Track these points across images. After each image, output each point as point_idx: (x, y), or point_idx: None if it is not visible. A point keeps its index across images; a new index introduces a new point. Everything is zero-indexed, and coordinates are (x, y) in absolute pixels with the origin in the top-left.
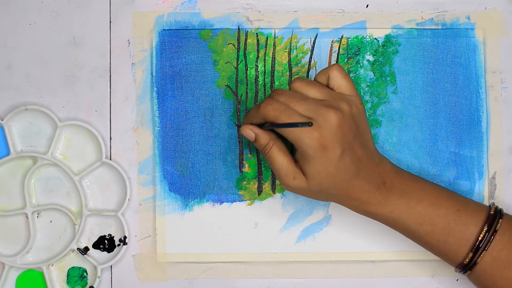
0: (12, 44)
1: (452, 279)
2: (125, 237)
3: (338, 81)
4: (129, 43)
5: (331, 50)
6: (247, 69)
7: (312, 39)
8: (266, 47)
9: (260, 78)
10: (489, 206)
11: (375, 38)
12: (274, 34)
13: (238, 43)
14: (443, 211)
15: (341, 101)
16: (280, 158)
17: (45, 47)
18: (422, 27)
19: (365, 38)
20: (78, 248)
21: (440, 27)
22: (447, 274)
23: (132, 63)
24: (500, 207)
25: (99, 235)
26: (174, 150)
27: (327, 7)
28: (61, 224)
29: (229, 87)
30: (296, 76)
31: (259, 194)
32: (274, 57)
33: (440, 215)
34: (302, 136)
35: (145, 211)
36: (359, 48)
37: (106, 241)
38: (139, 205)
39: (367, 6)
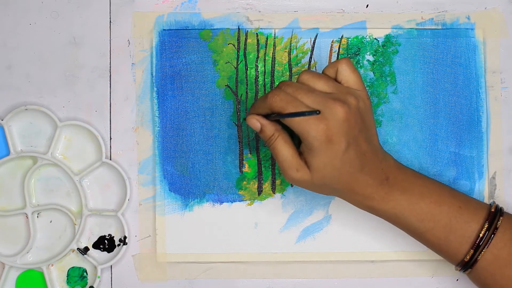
0: (12, 44)
1: (452, 279)
2: (125, 237)
3: (347, 75)
4: (129, 43)
5: (331, 50)
6: (247, 69)
7: (312, 39)
8: (266, 47)
9: (260, 78)
10: (490, 204)
11: (375, 38)
12: (274, 34)
13: (238, 43)
14: (445, 208)
15: (348, 94)
16: (285, 149)
17: (45, 47)
18: (422, 27)
19: (365, 38)
20: (78, 248)
21: (440, 27)
22: (447, 274)
23: (132, 63)
24: (500, 205)
25: (99, 235)
26: (174, 150)
27: (327, 7)
28: (61, 224)
29: (229, 87)
30: (304, 69)
31: (259, 194)
32: (274, 57)
33: (442, 212)
34: (309, 128)
35: (145, 211)
36: (359, 48)
37: (106, 241)
38: (139, 205)
39: (367, 6)
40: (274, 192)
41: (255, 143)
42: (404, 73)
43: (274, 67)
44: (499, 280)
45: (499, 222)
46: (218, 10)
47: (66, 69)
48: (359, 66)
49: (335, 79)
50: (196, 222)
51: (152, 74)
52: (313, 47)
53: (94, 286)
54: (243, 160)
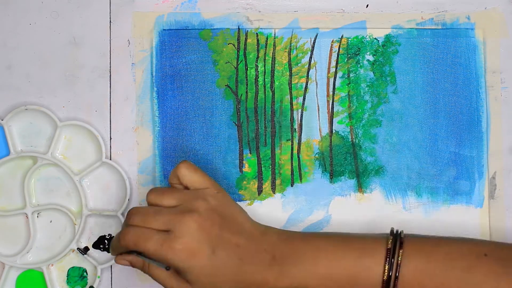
0: (12, 44)
1: None
2: None
3: (189, 178)
4: (129, 43)
5: (331, 50)
6: (247, 69)
7: (312, 39)
8: (266, 47)
9: (260, 78)
10: (387, 235)
11: (375, 38)
12: (274, 34)
13: (238, 43)
14: (342, 263)
15: (195, 200)
16: (161, 274)
17: (45, 47)
18: (422, 27)
19: (365, 38)
20: (78, 248)
21: (440, 27)
22: None
23: (132, 63)
24: (398, 230)
25: (99, 235)
26: (174, 150)
27: (327, 7)
28: (61, 224)
29: (229, 87)
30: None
31: (259, 194)
32: (274, 57)
33: (340, 267)
34: (167, 255)
35: None
36: (359, 48)
37: (106, 241)
38: (139, 205)
39: (367, 6)
40: (274, 192)
41: (255, 143)
42: (404, 73)
43: (274, 67)
44: None
45: (399, 258)
46: (218, 10)
47: (66, 69)
48: (359, 66)
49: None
50: None
51: (152, 74)
52: (313, 47)
53: (94, 286)
54: (243, 160)
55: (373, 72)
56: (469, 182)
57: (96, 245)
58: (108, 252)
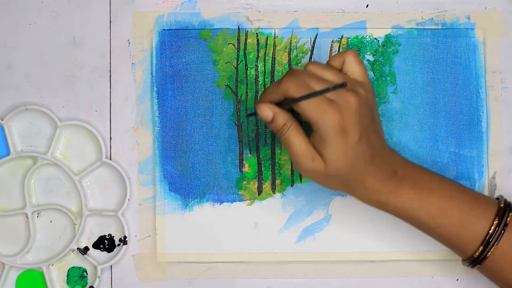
0: (12, 44)
1: (452, 279)
2: (125, 237)
3: (353, 66)
4: (129, 43)
5: (331, 50)
6: (247, 69)
7: (312, 39)
8: (266, 47)
9: (260, 78)
10: (498, 199)
11: (375, 38)
12: (274, 34)
13: (238, 43)
14: (455, 203)
15: (358, 85)
16: (298, 139)
17: (45, 47)
18: (422, 27)
19: (365, 38)
20: (78, 248)
21: (440, 27)
22: (447, 275)
23: (132, 63)
24: (508, 200)
25: (99, 235)
26: (174, 150)
27: (327, 7)
28: (61, 224)
29: (229, 87)
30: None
31: (259, 194)
32: (274, 57)
33: (453, 207)
34: (324, 117)
35: (145, 211)
36: (359, 48)
37: (106, 241)
38: (139, 205)
39: (367, 6)
40: (274, 192)
41: (255, 143)
42: (404, 73)
43: (274, 67)
44: (508, 275)
45: (508, 218)
46: (218, 10)
47: (66, 69)
48: None
49: (340, 70)
50: (196, 222)
51: (152, 74)
52: (313, 47)
53: (94, 286)
54: (243, 160)
55: (373, 72)
56: (469, 182)
57: (96, 245)
58: (108, 252)
